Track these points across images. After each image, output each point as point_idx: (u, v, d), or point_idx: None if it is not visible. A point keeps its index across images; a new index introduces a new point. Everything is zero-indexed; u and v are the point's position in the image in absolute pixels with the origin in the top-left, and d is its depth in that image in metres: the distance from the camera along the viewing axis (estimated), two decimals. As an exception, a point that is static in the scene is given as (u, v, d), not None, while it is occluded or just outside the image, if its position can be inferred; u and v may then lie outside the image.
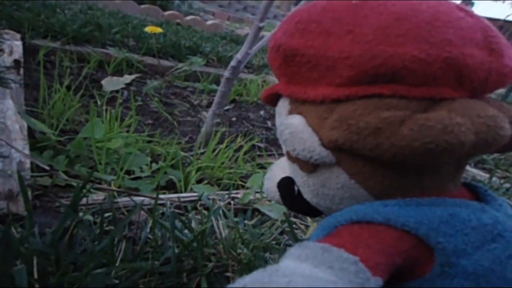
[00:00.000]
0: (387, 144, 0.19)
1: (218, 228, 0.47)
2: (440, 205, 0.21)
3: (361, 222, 0.21)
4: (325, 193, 0.25)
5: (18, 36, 1.17)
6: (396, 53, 0.20)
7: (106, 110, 0.86)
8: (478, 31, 0.21)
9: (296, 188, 0.28)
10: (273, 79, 1.71)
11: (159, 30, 1.28)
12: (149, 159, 0.76)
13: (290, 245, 0.49)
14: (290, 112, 0.25)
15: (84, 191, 0.43)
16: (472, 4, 7.61)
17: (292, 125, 0.24)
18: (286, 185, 0.29)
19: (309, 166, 0.24)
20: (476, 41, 0.20)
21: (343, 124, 0.21)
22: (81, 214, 0.45)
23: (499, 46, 0.21)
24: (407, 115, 0.19)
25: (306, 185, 0.26)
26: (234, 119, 1.27)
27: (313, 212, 0.28)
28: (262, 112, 1.38)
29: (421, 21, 0.20)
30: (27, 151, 0.58)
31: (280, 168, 0.30)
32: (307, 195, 0.27)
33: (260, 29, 0.89)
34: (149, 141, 0.85)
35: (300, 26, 0.23)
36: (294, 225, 0.54)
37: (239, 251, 0.44)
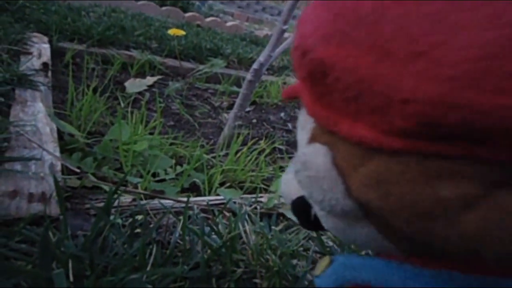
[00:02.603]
0: (436, 234, 0.14)
1: (245, 233, 0.47)
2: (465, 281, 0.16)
3: None
4: (347, 234, 0.20)
5: (46, 39, 1.20)
6: (493, 104, 0.12)
7: (132, 112, 0.88)
8: None
9: (313, 212, 0.22)
10: (293, 80, 1.70)
11: (181, 32, 1.30)
12: (173, 161, 0.77)
13: (318, 252, 0.48)
14: (314, 137, 0.18)
15: (116, 195, 0.44)
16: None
17: (311, 165, 0.17)
18: (301, 207, 0.23)
19: (332, 214, 0.19)
20: None
21: (380, 187, 0.15)
22: (111, 217, 0.45)
23: None
24: (478, 195, 0.13)
25: (325, 219, 0.21)
26: (254, 121, 1.27)
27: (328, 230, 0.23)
28: (282, 114, 1.37)
29: None
30: (57, 154, 0.59)
31: None
32: (326, 226, 0.21)
33: (283, 31, 0.88)
34: (172, 143, 0.86)
35: (344, 28, 0.15)
36: (320, 231, 0.53)
37: (267, 257, 0.43)
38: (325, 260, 0.20)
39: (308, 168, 0.18)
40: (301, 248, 0.48)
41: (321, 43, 0.15)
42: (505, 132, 0.12)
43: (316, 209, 0.21)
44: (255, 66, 0.89)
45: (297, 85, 0.19)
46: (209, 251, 0.42)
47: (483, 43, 0.12)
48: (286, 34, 0.90)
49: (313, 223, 0.23)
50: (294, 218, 0.59)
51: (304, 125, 0.19)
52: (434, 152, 0.13)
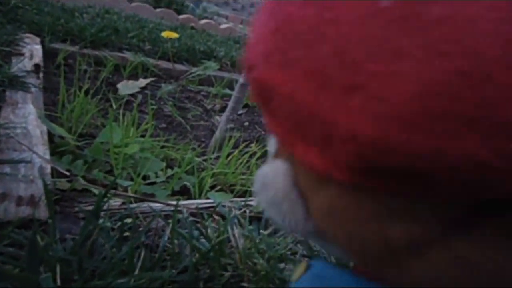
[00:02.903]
0: (391, 277, 0.14)
1: (234, 237, 0.47)
2: None
3: None
4: (323, 245, 0.20)
5: (38, 40, 1.20)
6: (430, 148, 0.10)
7: (123, 114, 0.88)
8: None
9: None
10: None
11: (175, 35, 1.30)
12: (164, 164, 0.77)
13: (305, 256, 0.49)
14: (277, 152, 0.18)
15: (105, 198, 0.44)
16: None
17: (271, 187, 0.16)
18: None
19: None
20: None
21: (334, 218, 0.14)
22: (101, 220, 0.46)
23: None
24: (432, 240, 0.12)
25: None
26: (246, 124, 1.28)
27: None
28: (274, 117, 1.38)
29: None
30: (47, 156, 0.59)
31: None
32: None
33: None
34: (163, 146, 0.86)
35: (281, 44, 0.13)
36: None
37: (255, 260, 0.44)
38: (302, 266, 0.19)
39: (267, 189, 0.17)
40: (289, 252, 0.48)
41: (262, 61, 0.14)
42: (451, 175, 0.11)
43: None
44: (247, 70, 0.90)
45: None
46: (197, 255, 0.42)
47: (427, 76, 0.10)
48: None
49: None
50: (283, 222, 0.60)
51: (270, 139, 0.19)
52: (381, 187, 0.12)
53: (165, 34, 1.32)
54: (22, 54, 1.01)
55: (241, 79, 0.92)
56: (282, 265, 0.45)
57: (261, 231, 0.52)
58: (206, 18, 3.06)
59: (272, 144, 0.19)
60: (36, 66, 0.96)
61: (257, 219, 0.60)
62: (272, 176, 0.17)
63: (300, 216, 0.16)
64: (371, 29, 0.11)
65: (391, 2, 0.11)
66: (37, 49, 1.10)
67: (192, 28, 2.40)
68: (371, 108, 0.11)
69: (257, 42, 0.15)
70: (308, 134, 0.13)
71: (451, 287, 0.12)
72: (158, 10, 2.58)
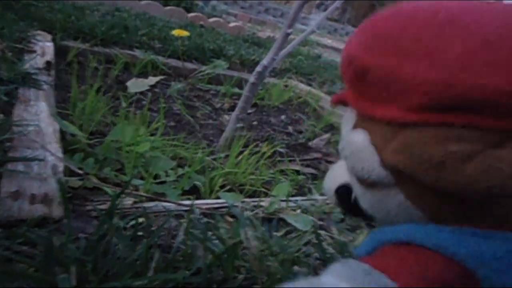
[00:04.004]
0: (449, 180, 0.18)
1: (247, 238, 0.47)
2: (498, 239, 0.20)
3: (410, 244, 0.21)
4: (381, 207, 0.25)
5: (50, 37, 1.20)
6: (477, 84, 0.18)
7: (134, 113, 0.88)
8: None
9: (353, 196, 0.28)
10: (295, 83, 1.71)
11: (185, 33, 1.30)
12: (174, 163, 0.77)
13: (319, 259, 0.48)
14: (355, 126, 0.24)
15: (118, 198, 0.44)
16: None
17: (354, 143, 0.23)
18: (343, 193, 0.29)
19: (368, 183, 0.24)
20: None
21: (406, 151, 0.20)
22: (113, 220, 0.45)
23: None
24: (477, 151, 0.18)
25: (363, 197, 0.26)
26: (255, 123, 1.27)
27: (369, 218, 0.28)
28: (283, 117, 1.37)
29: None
30: (60, 154, 0.59)
31: (342, 170, 0.29)
32: (363, 205, 0.27)
33: (288, 35, 0.88)
34: (173, 145, 0.86)
35: (376, 41, 0.22)
36: (321, 237, 0.53)
37: (268, 263, 0.44)
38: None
39: (351, 144, 0.23)
40: (302, 255, 0.48)
41: (363, 53, 0.22)
42: (491, 105, 0.18)
43: (356, 189, 0.27)
44: (258, 68, 0.89)
45: (341, 93, 0.26)
46: (211, 256, 0.42)
47: (466, 45, 0.18)
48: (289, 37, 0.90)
49: (353, 208, 0.28)
50: (294, 224, 0.59)
51: (347, 119, 0.26)
52: (443, 122, 0.19)
53: (176, 32, 1.32)
54: (34, 51, 1.01)
55: (251, 78, 0.91)
56: (295, 267, 0.45)
57: (274, 232, 0.52)
58: (215, 16, 3.06)
59: (349, 123, 0.25)
60: (48, 63, 0.96)
61: (268, 220, 0.59)
62: (355, 136, 0.23)
63: (375, 163, 0.22)
64: (429, 30, 0.20)
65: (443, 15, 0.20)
66: (49, 46, 1.10)
67: (202, 26, 2.40)
68: (436, 63, 0.19)
69: (358, 44, 0.23)
70: (392, 92, 0.20)
71: (494, 176, 0.17)
72: (167, 8, 2.59)
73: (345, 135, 0.25)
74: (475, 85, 0.18)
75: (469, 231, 0.20)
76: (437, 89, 0.18)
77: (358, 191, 0.26)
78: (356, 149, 0.23)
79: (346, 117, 0.26)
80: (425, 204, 0.22)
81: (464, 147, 0.18)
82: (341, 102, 0.26)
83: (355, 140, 0.23)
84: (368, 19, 0.24)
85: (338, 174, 0.30)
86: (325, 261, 0.47)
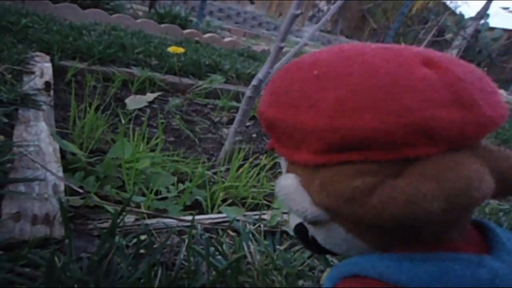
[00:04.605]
0: (362, 212, 0.20)
1: (250, 253, 0.47)
2: (433, 260, 0.21)
3: (359, 276, 0.22)
4: (332, 243, 0.26)
5: (48, 58, 1.22)
6: (355, 125, 0.20)
7: (133, 129, 0.88)
8: (444, 88, 0.20)
9: (310, 234, 0.29)
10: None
11: (181, 50, 1.31)
12: (175, 178, 0.77)
13: (323, 272, 0.48)
14: (288, 170, 0.26)
15: (120, 216, 0.44)
16: (487, 15, 7.51)
17: (284, 187, 0.25)
18: (301, 231, 0.30)
19: (308, 221, 0.25)
20: (442, 100, 0.19)
21: (324, 189, 0.22)
22: (115, 238, 0.45)
23: (472, 98, 0.20)
24: (377, 182, 0.20)
25: (315, 234, 0.27)
26: (254, 135, 1.28)
27: (332, 252, 0.28)
28: (282, 129, 1.38)
29: (377, 90, 0.20)
30: (61, 174, 0.59)
31: None
32: (319, 241, 0.28)
33: (281, 49, 0.90)
34: (173, 160, 0.86)
35: (276, 97, 0.25)
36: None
37: (272, 278, 0.43)
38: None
39: (283, 189, 0.25)
40: (307, 268, 0.47)
41: (267, 108, 0.25)
42: (375, 141, 0.20)
43: (309, 227, 0.28)
44: (254, 82, 0.90)
45: (271, 141, 0.28)
46: (214, 272, 0.41)
47: (339, 94, 0.21)
48: (283, 50, 0.91)
49: (313, 244, 0.28)
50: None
51: (283, 163, 0.28)
52: (345, 161, 0.21)
53: (172, 49, 1.33)
54: (33, 73, 1.02)
55: (247, 92, 0.92)
56: (300, 282, 0.44)
57: (277, 246, 0.52)
58: (209, 32, 3.10)
59: (283, 164, 0.28)
60: (47, 83, 0.97)
61: (271, 233, 0.59)
62: (286, 181, 0.25)
63: (307, 203, 0.24)
64: (310, 82, 0.23)
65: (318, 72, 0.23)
66: (47, 67, 1.11)
67: (197, 42, 2.43)
68: (321, 113, 0.21)
69: (264, 100, 0.26)
70: (297, 140, 0.23)
71: (395, 205, 0.19)
72: (162, 25, 2.62)
73: (278, 180, 0.27)
74: (354, 127, 0.20)
75: (407, 257, 0.21)
76: (326, 135, 0.21)
77: (310, 229, 0.28)
78: (287, 192, 0.24)
79: (282, 162, 0.28)
80: (363, 236, 0.23)
81: (366, 181, 0.20)
82: (272, 149, 0.28)
83: (285, 184, 0.25)
84: (271, 77, 0.28)
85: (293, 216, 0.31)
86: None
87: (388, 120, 0.19)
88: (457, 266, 0.20)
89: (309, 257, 0.50)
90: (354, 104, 0.20)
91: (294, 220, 0.31)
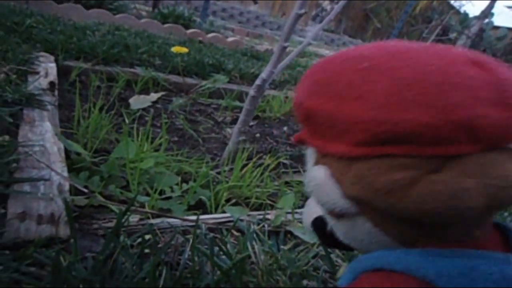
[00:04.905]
0: (400, 204, 0.20)
1: (254, 253, 0.47)
2: (461, 256, 0.21)
3: (383, 270, 0.22)
4: (354, 237, 0.26)
5: (52, 58, 1.22)
6: (404, 119, 0.20)
7: (137, 129, 0.88)
8: (492, 88, 0.21)
9: (329, 227, 0.29)
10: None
11: (184, 50, 1.32)
12: (179, 178, 0.77)
13: (327, 272, 0.48)
14: (316, 162, 0.26)
15: (125, 216, 0.44)
16: (492, 14, 7.46)
17: (316, 178, 0.25)
18: (319, 225, 0.30)
19: (336, 214, 0.25)
20: (489, 99, 0.20)
21: (360, 181, 0.22)
22: (121, 238, 0.45)
23: None
24: (418, 176, 0.20)
25: (336, 227, 0.27)
26: (258, 135, 1.27)
27: (348, 248, 0.29)
28: (285, 128, 1.38)
29: (429, 85, 0.20)
30: (65, 174, 0.59)
31: (316, 203, 0.31)
32: (338, 235, 0.28)
33: (284, 48, 0.89)
34: (177, 160, 0.86)
35: (317, 87, 0.25)
36: (329, 249, 0.53)
37: (277, 277, 0.43)
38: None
39: (314, 179, 0.25)
40: (311, 268, 0.47)
41: (307, 97, 0.25)
42: (420, 135, 0.20)
43: (329, 221, 0.27)
44: (258, 82, 0.90)
45: (300, 133, 0.28)
46: (218, 272, 0.41)
47: (390, 86, 0.21)
48: (287, 49, 0.91)
49: (330, 239, 0.28)
50: (302, 236, 0.59)
51: (310, 155, 0.27)
52: (387, 153, 0.21)
53: (175, 49, 1.34)
54: (37, 73, 1.03)
55: (251, 92, 0.92)
56: (304, 281, 0.44)
57: (281, 246, 0.52)
58: (213, 32, 3.10)
59: (311, 160, 0.27)
60: (51, 83, 0.98)
61: (275, 233, 0.59)
62: (316, 172, 0.25)
63: (337, 195, 0.24)
64: (357, 75, 0.23)
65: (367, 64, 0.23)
66: (52, 67, 1.12)
67: (200, 42, 2.43)
68: (367, 105, 0.21)
69: (303, 91, 0.26)
70: (337, 131, 0.23)
71: (435, 198, 0.19)
72: (166, 25, 2.63)
73: (308, 171, 0.27)
74: (402, 120, 0.20)
75: (435, 252, 0.22)
76: (372, 126, 0.21)
77: (331, 222, 0.28)
78: (318, 183, 0.25)
79: (309, 154, 0.28)
80: (391, 230, 0.23)
81: (407, 174, 0.20)
82: (301, 141, 0.27)
83: (317, 175, 0.25)
84: (310, 68, 0.28)
85: (313, 208, 0.31)
86: (334, 274, 0.47)
87: (438, 115, 0.20)
88: (484, 263, 0.21)
89: (313, 257, 0.49)
90: (404, 98, 0.20)
91: (311, 214, 0.31)
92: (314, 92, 0.25)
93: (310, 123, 0.25)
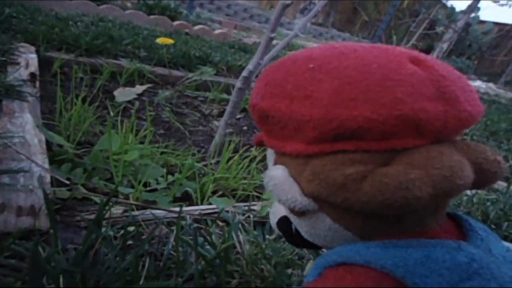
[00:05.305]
0: (354, 198, 0.21)
1: (239, 243, 0.47)
2: (416, 246, 0.22)
3: (345, 264, 0.23)
4: (317, 234, 0.26)
5: (33, 49, 1.19)
6: (350, 115, 0.21)
7: (122, 121, 0.87)
8: (430, 83, 0.22)
9: (293, 227, 0.29)
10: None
11: (170, 41, 1.29)
12: (164, 170, 0.76)
13: (313, 260, 0.48)
14: (275, 162, 0.27)
15: (107, 207, 0.43)
16: (478, 9, 7.58)
17: (274, 177, 0.25)
18: (284, 225, 0.30)
19: (297, 212, 0.26)
20: (428, 94, 0.21)
21: (316, 178, 0.23)
22: (103, 229, 0.45)
23: (454, 94, 0.22)
24: (368, 170, 0.21)
25: (299, 226, 0.28)
26: (245, 128, 1.27)
27: (315, 246, 0.29)
28: (273, 121, 1.37)
29: (371, 83, 0.21)
30: (46, 165, 0.58)
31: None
32: (303, 234, 0.28)
33: (271, 39, 0.89)
34: (163, 152, 0.85)
35: (270, 88, 0.25)
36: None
37: (261, 267, 0.43)
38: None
39: (273, 179, 0.26)
40: (296, 257, 0.47)
41: (260, 100, 0.26)
42: (367, 131, 0.21)
43: (293, 220, 0.28)
44: (244, 73, 0.90)
45: (259, 134, 0.29)
46: (203, 262, 0.41)
47: (335, 85, 0.22)
48: (274, 42, 0.90)
49: (296, 238, 0.29)
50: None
51: (270, 156, 0.28)
52: (338, 150, 0.22)
53: (160, 40, 1.31)
54: (18, 63, 1.00)
55: (238, 83, 0.91)
56: (289, 270, 0.45)
57: (266, 236, 0.52)
58: (200, 24, 3.07)
59: (270, 157, 0.28)
60: (32, 75, 0.95)
61: (261, 224, 0.59)
62: (275, 171, 0.26)
63: (297, 193, 0.25)
64: (302, 76, 0.24)
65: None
66: (33, 58, 1.09)
67: (187, 34, 2.40)
68: (316, 103, 0.22)
69: (257, 92, 0.27)
70: (290, 130, 0.24)
71: (383, 190, 0.20)
72: (152, 17, 2.58)
73: (267, 171, 0.27)
74: (348, 117, 0.21)
75: (392, 244, 0.23)
76: (321, 124, 0.22)
77: (294, 221, 0.28)
78: (277, 182, 0.25)
79: (269, 155, 0.29)
80: (350, 225, 0.24)
81: (358, 169, 0.21)
82: (260, 142, 0.28)
83: (275, 175, 0.26)
84: (263, 70, 0.28)
85: (278, 208, 0.31)
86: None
87: (381, 111, 0.21)
88: (438, 251, 0.21)
89: (298, 246, 0.50)
90: (349, 95, 0.21)
91: (276, 214, 0.31)
92: (267, 93, 0.25)
93: (266, 124, 0.26)
